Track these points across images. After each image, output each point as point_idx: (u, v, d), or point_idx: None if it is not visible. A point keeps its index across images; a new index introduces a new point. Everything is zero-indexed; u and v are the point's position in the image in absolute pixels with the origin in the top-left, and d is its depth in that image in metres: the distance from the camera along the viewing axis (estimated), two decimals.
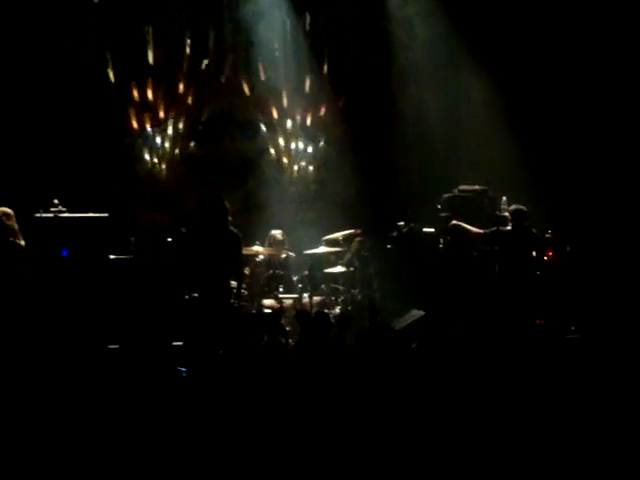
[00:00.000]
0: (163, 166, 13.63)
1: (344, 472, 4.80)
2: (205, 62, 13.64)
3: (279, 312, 10.34)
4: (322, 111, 13.78)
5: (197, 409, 5.49)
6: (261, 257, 11.69)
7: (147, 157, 13.61)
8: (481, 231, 11.01)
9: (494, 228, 10.90)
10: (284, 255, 11.66)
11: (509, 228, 10.86)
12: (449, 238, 11.61)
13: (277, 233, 11.63)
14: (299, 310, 9.99)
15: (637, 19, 12.77)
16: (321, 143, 13.91)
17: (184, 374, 6.92)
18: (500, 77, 13.16)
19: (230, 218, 10.32)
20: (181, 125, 13.69)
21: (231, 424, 5.19)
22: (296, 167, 13.88)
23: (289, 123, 13.83)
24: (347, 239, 11.83)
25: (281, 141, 13.84)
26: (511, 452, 4.65)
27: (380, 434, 4.88)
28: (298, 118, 13.82)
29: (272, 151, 13.85)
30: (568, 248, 10.92)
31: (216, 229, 9.98)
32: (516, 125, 13.07)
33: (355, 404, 5.17)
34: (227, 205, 10.23)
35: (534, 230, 10.94)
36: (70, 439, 5.21)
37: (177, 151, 13.68)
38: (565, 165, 13.02)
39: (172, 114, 13.61)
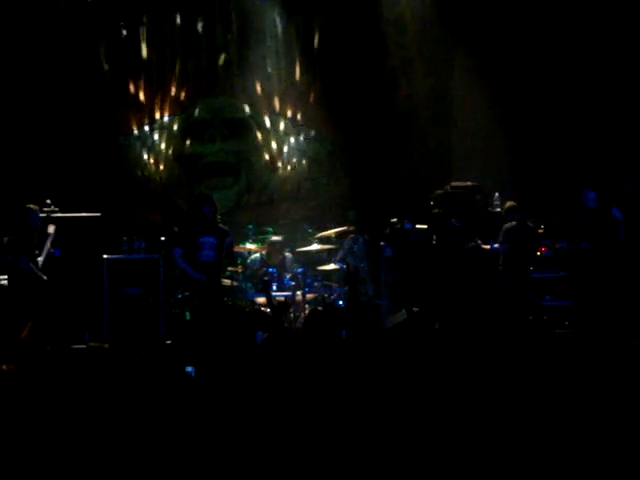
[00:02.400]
0: (156, 165, 13.60)
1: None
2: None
3: (286, 304, 10.17)
4: (313, 108, 13.75)
5: (197, 408, 5.48)
6: (256, 255, 11.71)
7: (140, 156, 13.57)
8: (496, 245, 10.89)
9: (505, 227, 10.79)
10: (281, 256, 11.67)
11: (514, 223, 10.81)
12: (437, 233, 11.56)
13: (277, 240, 11.67)
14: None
15: (628, 16, 12.79)
16: (313, 141, 13.88)
17: (192, 374, 6.92)
18: (493, 74, 13.16)
19: (219, 217, 10.34)
20: (174, 123, 13.65)
21: (233, 422, 5.19)
22: (288, 165, 13.85)
23: (280, 121, 13.81)
24: (340, 236, 11.83)
25: (272, 139, 13.81)
26: (495, 448, 4.66)
27: (366, 432, 4.90)
28: (289, 116, 13.79)
29: (264, 149, 13.81)
30: (557, 246, 10.90)
31: (207, 228, 9.99)
32: (509, 122, 13.07)
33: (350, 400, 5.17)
34: (216, 204, 10.22)
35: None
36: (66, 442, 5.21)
37: (169, 150, 13.63)
38: (559, 162, 13.02)
39: (164, 113, 13.58)
